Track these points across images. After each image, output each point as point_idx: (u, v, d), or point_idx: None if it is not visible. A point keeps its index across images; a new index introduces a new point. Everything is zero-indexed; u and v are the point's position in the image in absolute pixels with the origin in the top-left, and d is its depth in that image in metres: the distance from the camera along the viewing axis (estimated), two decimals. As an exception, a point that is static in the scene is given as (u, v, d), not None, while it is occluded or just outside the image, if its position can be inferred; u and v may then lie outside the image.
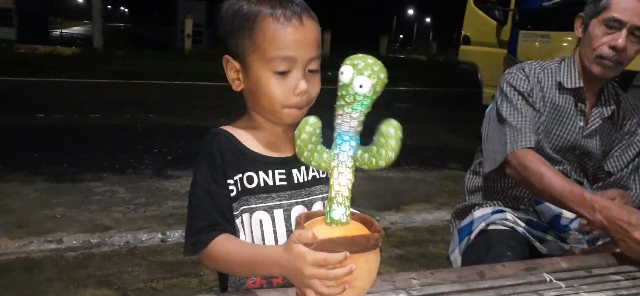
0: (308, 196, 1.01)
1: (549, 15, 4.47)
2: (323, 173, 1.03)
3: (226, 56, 0.99)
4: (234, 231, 0.96)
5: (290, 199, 0.99)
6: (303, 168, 1.02)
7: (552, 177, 1.31)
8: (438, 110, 8.52)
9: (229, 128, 1.03)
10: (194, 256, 0.96)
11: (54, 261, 2.47)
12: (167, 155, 4.42)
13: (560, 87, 1.49)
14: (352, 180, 0.79)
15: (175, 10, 18.88)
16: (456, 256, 1.53)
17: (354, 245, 0.76)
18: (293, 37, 0.91)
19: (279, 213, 0.98)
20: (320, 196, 1.03)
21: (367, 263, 0.78)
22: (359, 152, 0.76)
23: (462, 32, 7.24)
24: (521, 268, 1.09)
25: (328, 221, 0.80)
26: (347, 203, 0.79)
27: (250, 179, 0.98)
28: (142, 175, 3.85)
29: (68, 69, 10.05)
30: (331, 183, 0.79)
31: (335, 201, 0.79)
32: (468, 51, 6.54)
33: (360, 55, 0.75)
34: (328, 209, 0.80)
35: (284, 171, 1.00)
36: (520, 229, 1.46)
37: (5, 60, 10.21)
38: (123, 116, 5.91)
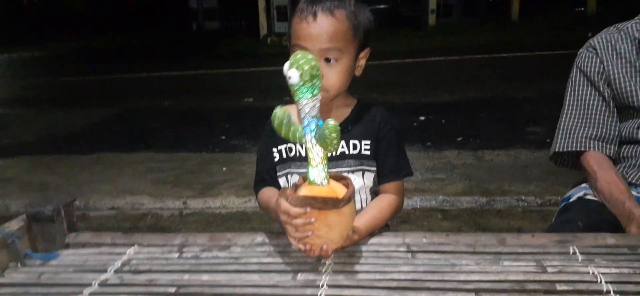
0: (336, 168, 1.19)
1: None
2: (354, 148, 1.21)
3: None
4: (277, 187, 1.23)
5: None
6: None
7: (601, 179, 1.32)
8: None
9: (288, 105, 1.28)
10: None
11: (260, 216, 3.09)
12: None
13: None
14: (323, 150, 0.96)
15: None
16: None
17: (314, 203, 0.93)
18: (304, 31, 1.11)
19: None
20: (348, 168, 1.20)
21: (326, 219, 0.94)
22: (317, 136, 0.92)
23: None
24: (554, 239, 1.04)
25: (308, 181, 0.99)
26: (320, 167, 0.96)
27: (290, 150, 1.23)
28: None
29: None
30: (309, 151, 0.98)
31: (310, 165, 0.97)
32: None
33: (297, 52, 0.91)
34: (307, 171, 0.99)
35: None
36: None
37: (272, 52, 12.20)
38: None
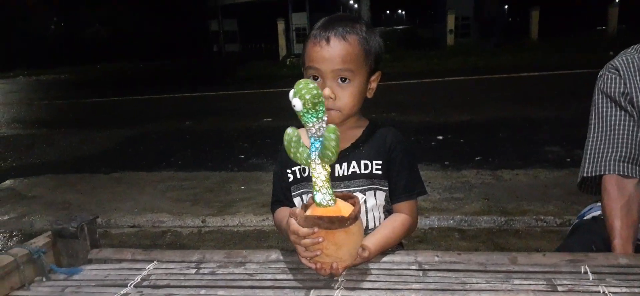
0: (347, 188, 1.22)
1: None
2: (365, 168, 1.23)
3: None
4: (292, 206, 1.26)
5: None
6: (345, 164, 1.23)
7: (607, 208, 1.32)
8: None
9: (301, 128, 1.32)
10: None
11: (277, 233, 3.10)
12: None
13: None
14: (326, 173, 0.98)
15: (444, 6, 19.17)
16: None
17: (321, 223, 0.97)
18: (318, 54, 1.16)
19: None
20: (359, 188, 1.22)
21: (333, 238, 0.97)
22: (320, 152, 0.96)
23: None
24: (565, 258, 1.05)
25: (315, 203, 1.02)
26: (324, 190, 0.99)
27: (304, 170, 1.26)
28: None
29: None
30: (312, 174, 1.00)
31: (315, 187, 1.00)
32: None
33: (299, 81, 0.94)
34: (313, 194, 1.01)
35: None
36: None
37: (290, 73, 12.32)
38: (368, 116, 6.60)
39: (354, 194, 1.10)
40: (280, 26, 17.96)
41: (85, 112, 9.65)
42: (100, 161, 5.31)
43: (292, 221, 1.01)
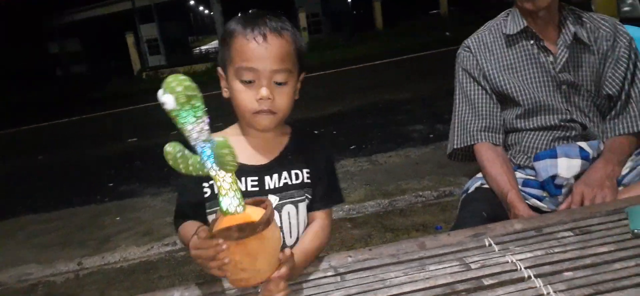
0: (281, 200, 1.14)
1: None
2: (296, 178, 1.16)
3: (218, 67, 1.17)
4: (202, 221, 1.13)
5: None
6: (275, 176, 1.15)
7: (488, 174, 1.45)
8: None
9: (215, 135, 1.21)
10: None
11: (167, 261, 2.94)
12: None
13: (509, 37, 1.48)
14: (227, 176, 0.88)
15: (292, 4, 19.66)
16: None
17: (230, 234, 0.87)
18: (255, 52, 1.06)
19: None
20: (291, 199, 1.15)
21: (246, 248, 0.87)
22: (215, 160, 0.86)
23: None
24: (468, 234, 1.11)
25: (221, 212, 0.90)
26: (232, 193, 0.88)
27: None
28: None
29: (200, 84, 11.17)
30: (215, 179, 0.88)
31: (221, 193, 0.89)
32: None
33: (168, 76, 0.83)
34: (219, 201, 0.89)
35: (256, 178, 1.14)
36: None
37: (149, 87, 11.71)
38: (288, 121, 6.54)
39: (266, 198, 1.02)
40: (130, 40, 17.01)
41: None
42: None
43: (194, 240, 0.92)
